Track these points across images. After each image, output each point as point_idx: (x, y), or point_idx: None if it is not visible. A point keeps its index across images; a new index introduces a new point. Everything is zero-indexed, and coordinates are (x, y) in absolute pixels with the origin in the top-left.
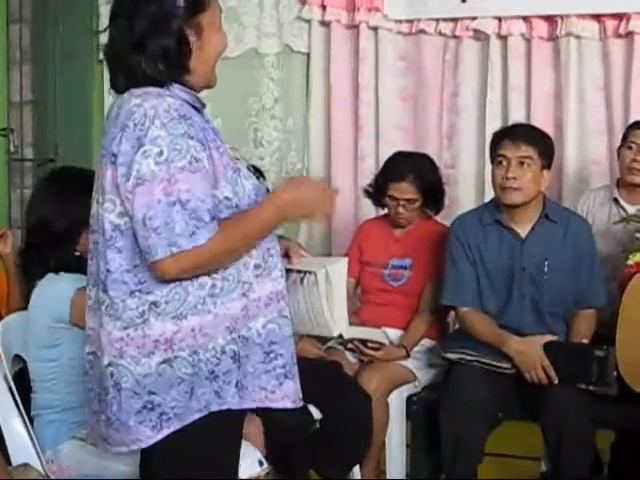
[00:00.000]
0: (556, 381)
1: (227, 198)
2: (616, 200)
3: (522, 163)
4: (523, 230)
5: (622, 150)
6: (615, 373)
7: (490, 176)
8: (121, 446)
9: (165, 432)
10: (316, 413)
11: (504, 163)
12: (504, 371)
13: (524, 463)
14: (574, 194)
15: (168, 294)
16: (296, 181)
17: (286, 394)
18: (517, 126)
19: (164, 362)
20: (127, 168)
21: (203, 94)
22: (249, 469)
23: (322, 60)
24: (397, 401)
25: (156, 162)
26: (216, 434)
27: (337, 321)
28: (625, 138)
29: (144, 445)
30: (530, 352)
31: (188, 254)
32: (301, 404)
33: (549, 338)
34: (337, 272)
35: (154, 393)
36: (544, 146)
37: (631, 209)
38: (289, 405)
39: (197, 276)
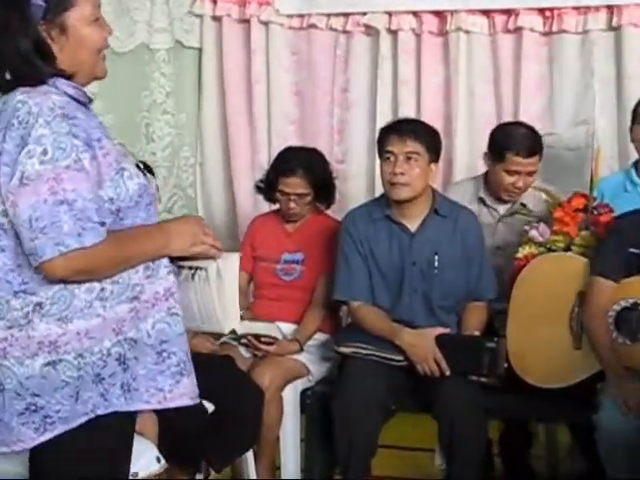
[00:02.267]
0: (448, 373)
1: (110, 199)
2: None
3: (409, 158)
4: (413, 225)
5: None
6: (506, 364)
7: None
8: (2, 446)
9: (48, 435)
10: (210, 408)
11: (391, 159)
12: (397, 364)
13: (418, 455)
14: None
15: (54, 296)
16: (186, 217)
17: (183, 392)
18: (403, 121)
19: (48, 364)
20: (10, 168)
21: (94, 90)
22: (147, 466)
23: (214, 55)
24: (291, 395)
25: (41, 161)
26: (104, 438)
27: (228, 317)
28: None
29: (27, 446)
30: (422, 345)
31: (76, 254)
32: (198, 400)
33: (441, 331)
34: (228, 267)
35: (37, 395)
36: (431, 140)
37: (501, 208)
38: (187, 402)
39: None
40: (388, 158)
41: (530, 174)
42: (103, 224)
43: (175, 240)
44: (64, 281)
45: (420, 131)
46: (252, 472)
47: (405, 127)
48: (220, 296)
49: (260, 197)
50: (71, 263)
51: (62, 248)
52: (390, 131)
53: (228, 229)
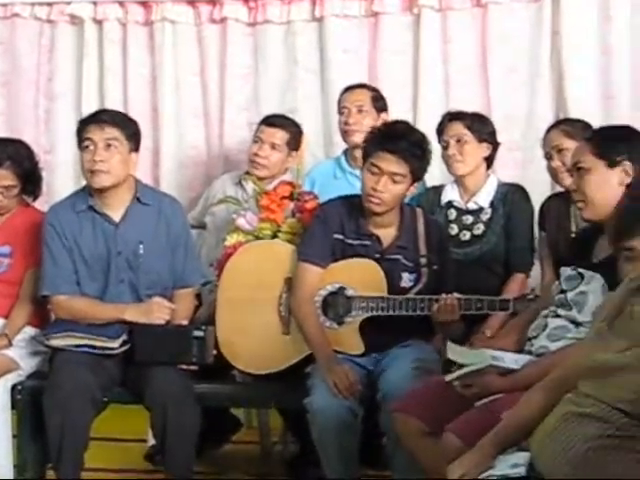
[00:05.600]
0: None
1: None
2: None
3: (109, 145)
4: (116, 214)
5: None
6: (215, 351)
7: None
8: None
9: None
10: None
11: (91, 147)
12: (111, 352)
13: (131, 446)
14: (172, 178)
15: None
16: None
17: None
18: (102, 111)
19: None
20: None
21: None
22: None
23: None
24: (0, 391)
25: None
26: None
27: None
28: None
29: None
30: (149, 307)
31: None
32: None
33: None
34: None
35: None
36: (130, 129)
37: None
38: None
39: None
40: (87, 147)
41: (273, 146)
42: None
43: None
44: None
45: (119, 119)
46: None
47: (103, 116)
48: None
49: None
50: None
51: None
52: (88, 121)
53: None
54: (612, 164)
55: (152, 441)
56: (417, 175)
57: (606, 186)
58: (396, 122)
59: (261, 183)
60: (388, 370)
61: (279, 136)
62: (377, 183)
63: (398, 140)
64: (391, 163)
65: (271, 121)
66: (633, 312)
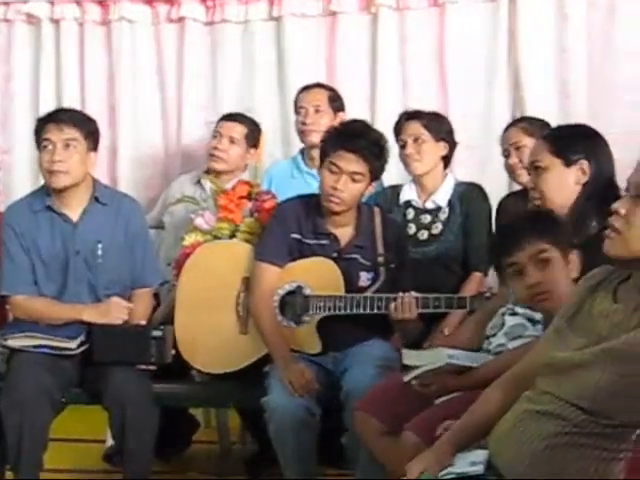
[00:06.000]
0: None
1: None
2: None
3: (68, 146)
4: (74, 214)
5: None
6: (174, 351)
7: None
8: None
9: None
10: None
11: (50, 147)
12: (69, 352)
13: (89, 446)
14: (130, 177)
15: None
16: None
17: None
18: (60, 110)
19: None
20: None
21: None
22: None
23: None
24: None
25: None
26: None
27: None
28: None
29: None
30: (107, 307)
31: None
32: None
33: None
34: None
35: None
36: (88, 128)
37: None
38: None
39: None
40: (46, 147)
41: (232, 140)
42: None
43: None
44: None
45: (78, 119)
46: None
47: (62, 115)
48: None
49: None
50: None
51: None
52: (47, 120)
53: None
54: (569, 163)
55: (111, 441)
56: (376, 174)
57: (563, 184)
58: (354, 121)
59: (219, 181)
60: (351, 369)
61: (238, 130)
62: (337, 182)
63: (357, 139)
64: (350, 162)
65: (230, 116)
66: (592, 309)
